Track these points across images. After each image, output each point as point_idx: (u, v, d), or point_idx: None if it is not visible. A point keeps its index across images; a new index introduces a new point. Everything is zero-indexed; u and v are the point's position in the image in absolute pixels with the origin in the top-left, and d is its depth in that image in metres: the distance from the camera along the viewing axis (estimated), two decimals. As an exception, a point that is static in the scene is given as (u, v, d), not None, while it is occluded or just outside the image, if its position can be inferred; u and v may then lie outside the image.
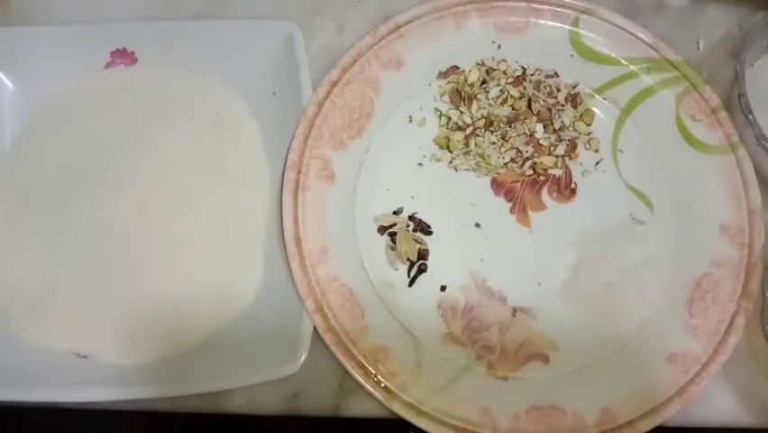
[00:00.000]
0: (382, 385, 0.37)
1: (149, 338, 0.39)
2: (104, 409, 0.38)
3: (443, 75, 0.44)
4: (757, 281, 0.39)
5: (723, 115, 0.42)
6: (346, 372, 0.37)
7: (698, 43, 0.46)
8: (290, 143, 0.40)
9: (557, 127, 0.43)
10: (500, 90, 0.43)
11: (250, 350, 0.38)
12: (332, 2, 0.46)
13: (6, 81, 0.43)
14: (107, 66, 0.44)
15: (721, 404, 0.39)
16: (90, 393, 0.37)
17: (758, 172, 0.40)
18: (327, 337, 0.37)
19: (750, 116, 0.39)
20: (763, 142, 0.39)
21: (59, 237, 0.41)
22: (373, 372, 0.37)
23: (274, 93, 0.43)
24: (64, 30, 0.43)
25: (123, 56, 0.44)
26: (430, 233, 0.41)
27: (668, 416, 0.37)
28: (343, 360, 0.37)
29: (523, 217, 0.42)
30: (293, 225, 0.39)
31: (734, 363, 0.38)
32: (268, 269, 0.40)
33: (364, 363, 0.37)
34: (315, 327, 0.37)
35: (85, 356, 0.39)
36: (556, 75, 0.44)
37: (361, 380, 0.36)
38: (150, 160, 0.42)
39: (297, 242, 0.38)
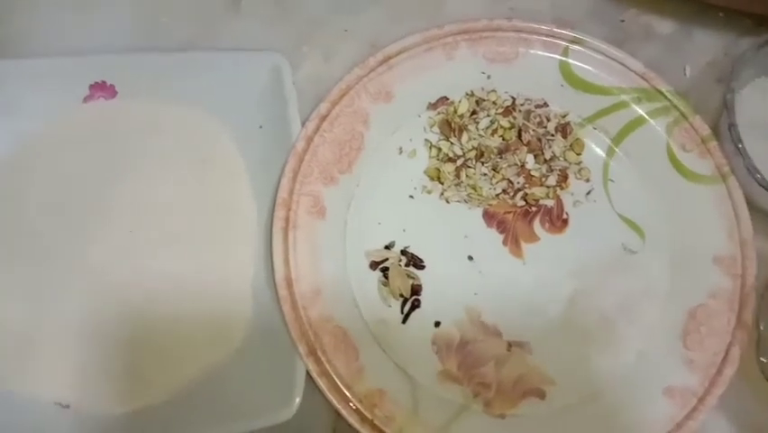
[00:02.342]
0: (379, 430, 0.36)
1: (134, 385, 0.38)
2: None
3: (432, 106, 0.43)
4: (751, 312, 0.39)
5: (713, 144, 0.42)
6: (341, 416, 0.36)
7: (684, 69, 0.46)
8: (279, 180, 0.39)
9: (548, 157, 0.43)
10: (490, 121, 0.43)
11: (241, 395, 0.37)
12: (319, 31, 0.45)
13: (-19, 118, 0.41)
14: (86, 99, 0.42)
15: (718, 436, 0.39)
16: (72, 447, 0.35)
17: (749, 202, 0.41)
18: (322, 382, 0.36)
19: (740, 146, 0.39)
20: (754, 173, 0.39)
21: (42, 281, 0.39)
22: (369, 417, 0.36)
23: (261, 126, 0.42)
24: (41, 63, 0.42)
25: (102, 89, 0.42)
26: (423, 267, 0.41)
27: (667, 451, 0.36)
28: (339, 406, 0.36)
29: (516, 249, 0.41)
30: (284, 265, 0.38)
31: (730, 395, 0.38)
32: (257, 310, 0.39)
33: (360, 408, 0.36)
34: (308, 371, 0.36)
35: (67, 406, 0.37)
36: (546, 105, 0.44)
37: (356, 425, 0.36)
38: (134, 197, 0.41)
39: (289, 283, 0.37)
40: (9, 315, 0.39)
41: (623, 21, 0.47)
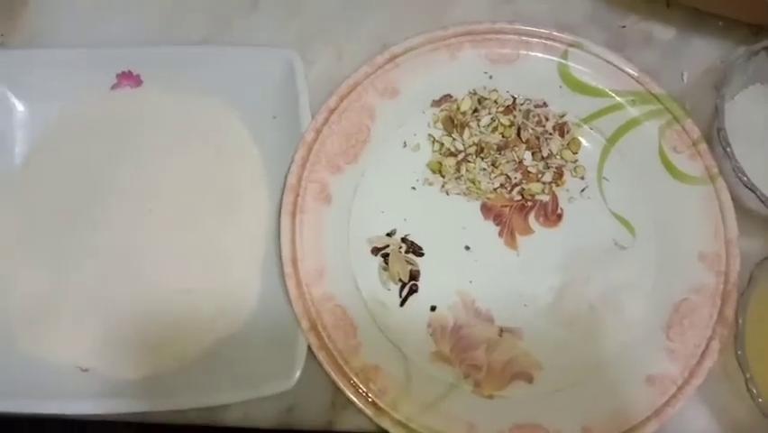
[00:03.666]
0: (373, 402, 0.38)
1: (149, 353, 0.40)
2: (103, 421, 0.39)
3: (436, 103, 0.46)
4: (732, 308, 0.40)
5: (703, 147, 0.43)
6: (338, 388, 0.38)
7: (682, 75, 0.48)
8: (289, 167, 0.42)
9: (545, 155, 0.45)
10: (491, 118, 0.45)
11: (247, 365, 0.39)
12: (331, 30, 0.48)
13: (16, 102, 0.44)
14: (113, 87, 0.45)
15: (696, 424, 0.41)
16: (91, 406, 0.38)
17: (735, 203, 0.42)
18: (321, 355, 0.38)
19: (728, 149, 0.41)
20: (740, 175, 0.40)
21: (64, 253, 0.42)
22: (364, 389, 0.38)
23: (274, 117, 0.44)
24: (73, 53, 0.45)
25: (128, 78, 0.45)
26: (422, 254, 0.43)
27: (645, 435, 0.38)
28: (336, 378, 0.38)
29: (511, 241, 0.43)
30: (290, 246, 0.40)
31: (708, 385, 0.40)
32: (265, 287, 0.42)
33: (356, 380, 0.38)
34: (309, 345, 0.39)
35: (86, 370, 0.40)
36: (545, 105, 0.46)
37: (352, 397, 0.38)
38: (153, 179, 0.44)
39: (294, 262, 0.40)
40: (34, 285, 0.41)
41: (624, 27, 0.49)
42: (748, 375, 0.37)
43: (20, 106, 0.44)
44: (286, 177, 0.42)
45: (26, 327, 0.41)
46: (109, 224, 0.43)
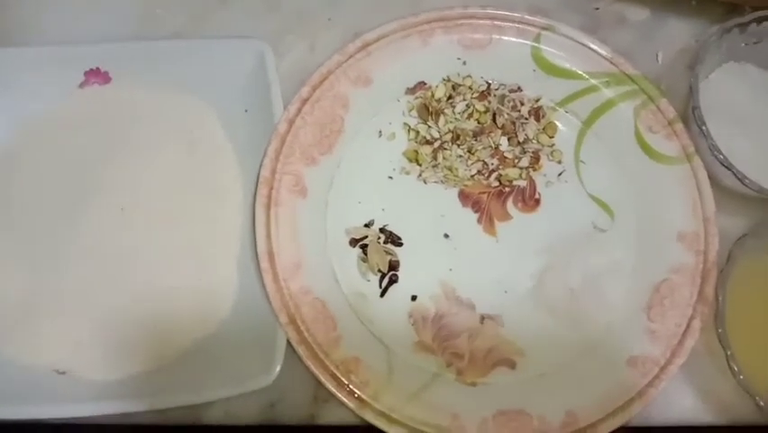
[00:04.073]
0: (355, 395, 0.38)
1: (127, 353, 0.40)
2: (82, 424, 0.39)
3: (410, 91, 0.45)
4: (712, 286, 0.40)
5: (679, 126, 0.43)
6: (320, 382, 0.38)
7: (657, 56, 0.48)
8: (262, 160, 0.41)
9: (521, 140, 0.44)
10: (466, 105, 0.45)
11: (226, 362, 0.39)
12: (304, 20, 0.47)
13: (-19, 104, 0.43)
14: (81, 85, 0.44)
15: (681, 404, 0.41)
16: (68, 409, 0.38)
17: (712, 181, 0.42)
18: (301, 350, 0.38)
19: (704, 128, 0.41)
20: (717, 154, 0.40)
21: (40, 255, 0.41)
22: (346, 382, 0.38)
23: (246, 110, 0.44)
24: (39, 51, 0.44)
25: (96, 75, 0.44)
26: (400, 244, 0.43)
27: (629, 417, 0.38)
28: (317, 371, 0.38)
29: (489, 227, 0.43)
30: (266, 239, 0.40)
31: (691, 364, 0.40)
32: (242, 282, 0.41)
33: (337, 373, 0.38)
34: (288, 340, 0.38)
35: (63, 372, 0.39)
36: (520, 89, 0.46)
37: (333, 390, 0.38)
38: (127, 177, 0.43)
39: (270, 256, 0.40)
40: (9, 286, 0.41)
41: (597, 9, 0.48)
42: (729, 353, 0.37)
43: (-15, 108, 0.44)
44: (259, 170, 0.41)
45: (1, 329, 0.40)
46: (83, 224, 0.42)
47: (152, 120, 0.44)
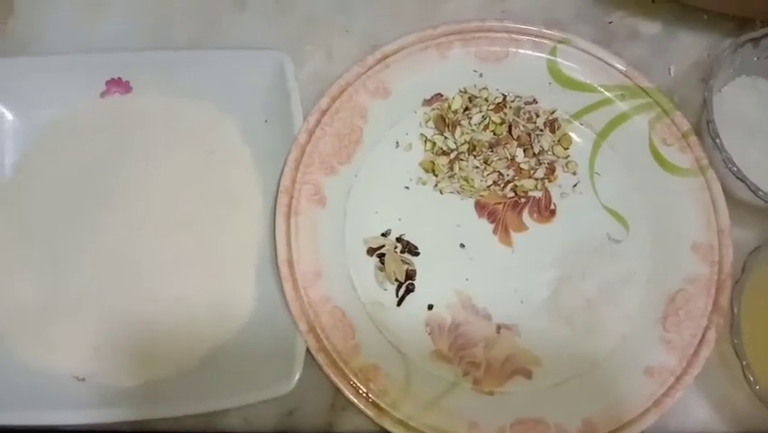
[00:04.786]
0: (373, 402, 0.38)
1: (146, 360, 0.40)
2: (101, 431, 0.39)
3: (427, 102, 0.46)
4: (727, 297, 0.41)
5: (693, 139, 0.44)
6: (338, 389, 0.38)
7: (669, 69, 0.48)
8: (282, 169, 0.42)
9: (536, 151, 0.45)
10: (482, 116, 0.45)
11: (245, 370, 0.39)
12: (321, 30, 0.48)
13: (5, 111, 0.44)
14: (103, 94, 0.45)
15: (696, 414, 0.41)
16: (88, 416, 0.38)
17: (726, 193, 0.43)
18: (320, 357, 0.38)
19: (717, 141, 0.41)
20: (730, 166, 0.41)
21: (59, 261, 0.42)
22: (364, 390, 0.38)
23: (266, 120, 0.44)
24: (61, 60, 0.44)
25: (118, 85, 0.45)
26: (417, 254, 0.43)
27: (645, 427, 0.38)
28: (336, 379, 0.38)
29: (505, 238, 0.44)
30: (286, 248, 0.40)
31: (706, 374, 0.40)
32: (261, 291, 0.41)
33: (355, 381, 0.38)
34: (307, 347, 0.39)
35: (83, 379, 0.40)
36: (535, 101, 0.46)
37: (352, 398, 0.38)
38: (146, 185, 0.43)
39: (290, 265, 0.40)
40: (29, 293, 0.41)
41: (611, 22, 0.49)
42: (745, 363, 0.37)
43: (9, 116, 0.44)
44: (279, 179, 0.42)
45: (21, 338, 0.40)
46: (102, 232, 0.42)
47: (172, 129, 0.45)
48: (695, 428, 0.41)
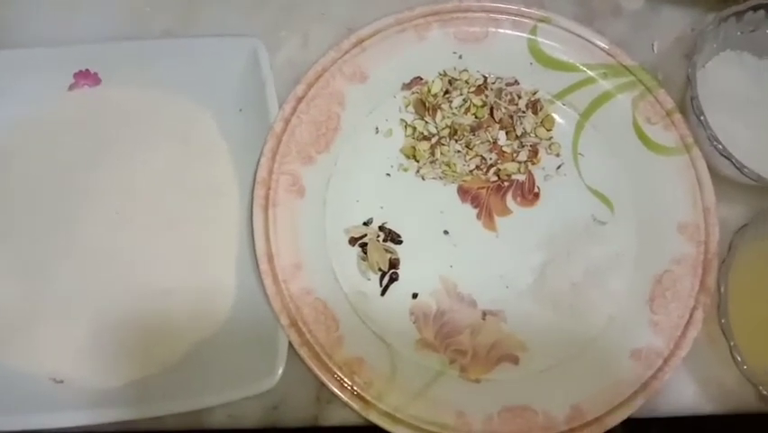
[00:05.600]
0: (358, 395, 0.37)
1: (126, 359, 0.39)
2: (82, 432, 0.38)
3: (406, 86, 0.45)
4: (714, 277, 0.40)
5: (677, 116, 0.43)
6: (323, 383, 0.38)
7: (653, 45, 0.47)
8: (259, 160, 0.41)
9: (519, 134, 0.44)
10: (463, 99, 0.44)
11: (228, 366, 0.38)
12: (296, 15, 0.46)
13: (-29, 107, 0.42)
14: (71, 87, 0.44)
15: (685, 394, 0.41)
16: (66, 418, 0.37)
17: (712, 171, 0.42)
18: (303, 352, 0.38)
19: (702, 118, 0.41)
20: (715, 143, 0.40)
21: (33, 260, 0.41)
22: (349, 383, 0.38)
23: (240, 109, 0.43)
24: (26, 53, 0.43)
25: (86, 77, 0.43)
26: (400, 242, 0.42)
27: (634, 409, 0.38)
28: (319, 373, 0.37)
29: (489, 222, 0.43)
30: (264, 241, 0.39)
31: (694, 355, 0.40)
32: (241, 284, 0.41)
33: (340, 374, 0.38)
34: (290, 342, 0.38)
35: (61, 381, 0.39)
36: (517, 83, 0.45)
37: (337, 391, 0.37)
38: (120, 179, 0.42)
39: (270, 258, 0.39)
40: (4, 293, 0.40)
41: (592, -1, 0.48)
42: (732, 343, 0.37)
43: (-27, 112, 0.42)
44: (256, 170, 0.40)
45: (-1, 341, 0.39)
46: (77, 229, 0.41)
47: (144, 121, 0.43)
48: (684, 409, 0.41)
